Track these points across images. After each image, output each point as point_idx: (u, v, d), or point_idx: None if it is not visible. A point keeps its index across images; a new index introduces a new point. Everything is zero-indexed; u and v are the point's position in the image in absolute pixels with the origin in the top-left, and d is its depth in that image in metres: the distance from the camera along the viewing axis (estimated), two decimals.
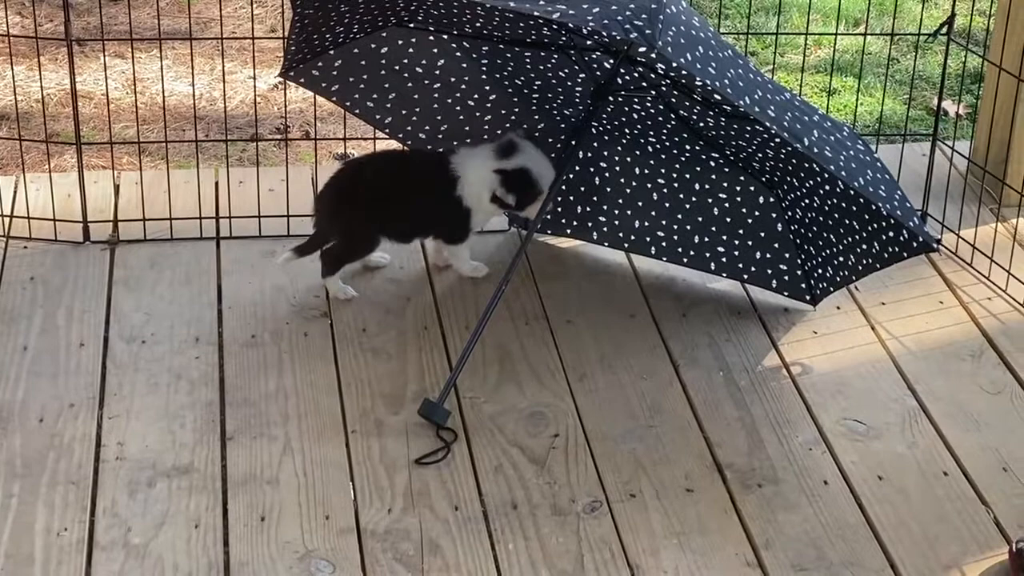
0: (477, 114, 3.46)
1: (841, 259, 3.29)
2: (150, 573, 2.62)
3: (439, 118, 3.45)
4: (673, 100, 3.20)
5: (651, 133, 3.37)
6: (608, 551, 2.71)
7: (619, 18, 2.70)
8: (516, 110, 3.46)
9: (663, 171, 3.44)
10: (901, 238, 3.12)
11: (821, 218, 3.28)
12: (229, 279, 3.48)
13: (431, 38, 3.33)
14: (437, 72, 3.38)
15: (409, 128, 3.47)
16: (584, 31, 3.01)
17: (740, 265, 3.44)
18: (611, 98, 3.26)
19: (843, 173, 2.93)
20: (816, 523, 2.79)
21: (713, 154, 3.36)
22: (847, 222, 3.21)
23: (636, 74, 3.18)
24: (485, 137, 3.47)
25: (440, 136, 3.48)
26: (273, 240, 3.61)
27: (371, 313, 3.37)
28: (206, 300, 3.40)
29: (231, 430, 2.98)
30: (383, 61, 3.35)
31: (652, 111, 3.28)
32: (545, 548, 2.71)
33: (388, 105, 3.43)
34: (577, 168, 3.49)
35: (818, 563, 2.70)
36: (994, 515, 2.83)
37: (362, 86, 3.39)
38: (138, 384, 3.10)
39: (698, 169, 3.40)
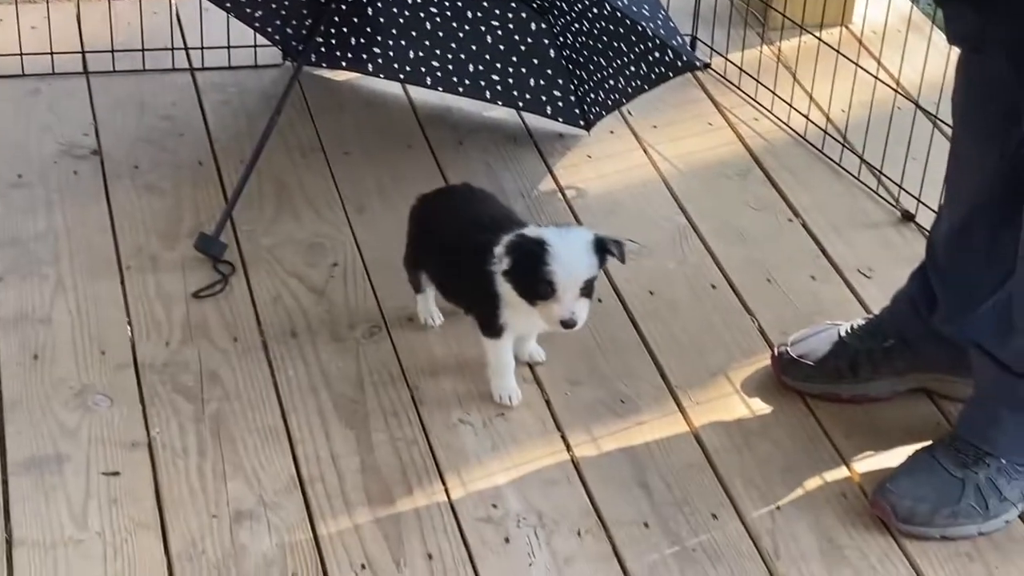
0: None
1: (612, 82, 3.33)
2: None
3: None
4: None
5: None
6: (387, 373, 2.75)
7: None
8: None
9: (436, 0, 3.42)
10: (667, 58, 3.17)
11: (591, 42, 3.31)
12: None
13: None
14: None
15: None
16: None
17: (515, 93, 3.46)
18: None
19: None
20: (590, 340, 2.86)
21: None
22: (615, 45, 3.24)
23: None
24: None
25: None
26: (37, 79, 3.51)
27: (143, 150, 3.31)
28: None
29: (0, 271, 2.92)
30: None
31: None
32: (325, 373, 2.74)
33: None
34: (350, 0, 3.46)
35: (591, 377, 2.78)
36: (759, 324, 2.94)
37: None
38: None
39: None
